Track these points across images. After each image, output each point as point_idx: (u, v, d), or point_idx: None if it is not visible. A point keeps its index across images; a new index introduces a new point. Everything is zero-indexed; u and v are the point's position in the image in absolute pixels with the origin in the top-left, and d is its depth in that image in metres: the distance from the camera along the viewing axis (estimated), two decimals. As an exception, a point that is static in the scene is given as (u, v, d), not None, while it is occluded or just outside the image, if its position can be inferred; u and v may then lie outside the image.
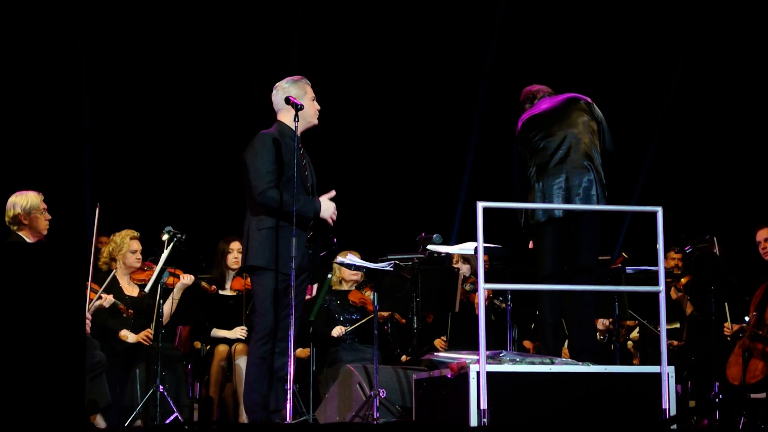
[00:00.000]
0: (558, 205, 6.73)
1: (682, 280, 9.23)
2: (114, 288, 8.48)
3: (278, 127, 6.81)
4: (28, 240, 7.60)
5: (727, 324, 8.73)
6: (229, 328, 9.02)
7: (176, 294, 8.69)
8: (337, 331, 9.05)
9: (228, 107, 11.29)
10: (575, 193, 6.78)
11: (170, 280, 8.54)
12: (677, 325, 9.41)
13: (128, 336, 8.47)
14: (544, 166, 6.87)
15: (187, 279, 8.70)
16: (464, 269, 9.22)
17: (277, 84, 6.92)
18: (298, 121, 6.65)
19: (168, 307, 8.58)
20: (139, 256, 8.73)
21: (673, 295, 9.16)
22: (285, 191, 6.60)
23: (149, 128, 11.40)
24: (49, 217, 7.78)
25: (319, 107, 6.89)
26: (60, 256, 5.04)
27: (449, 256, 8.97)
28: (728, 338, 8.67)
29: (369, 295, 9.07)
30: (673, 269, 9.21)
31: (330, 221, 6.76)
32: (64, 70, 11.14)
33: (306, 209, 6.65)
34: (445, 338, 9.38)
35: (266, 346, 6.58)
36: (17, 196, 7.69)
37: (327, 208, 6.74)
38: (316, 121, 6.89)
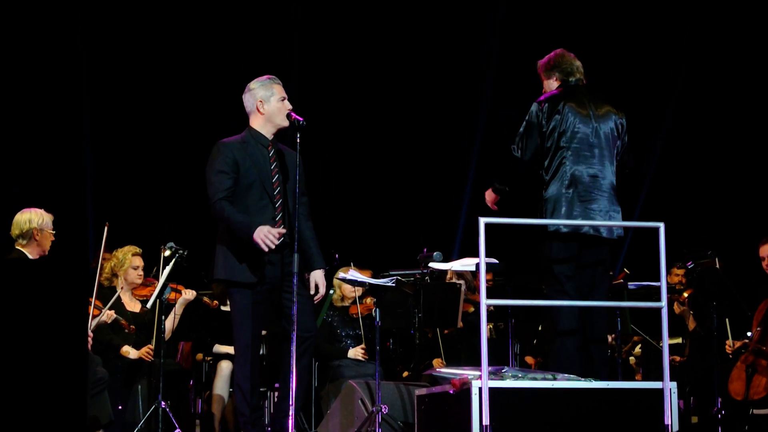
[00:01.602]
0: (556, 221, 6.60)
1: (685, 293, 9.23)
2: (116, 304, 8.49)
3: (246, 134, 6.64)
4: (30, 256, 7.62)
5: (729, 341, 8.71)
6: (231, 343, 9.01)
7: (178, 309, 8.69)
8: (357, 353, 9.07)
9: (233, 124, 11.28)
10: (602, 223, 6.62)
11: (172, 295, 8.54)
12: (679, 341, 9.40)
13: (130, 352, 8.47)
14: (576, 180, 6.64)
15: (188, 294, 8.70)
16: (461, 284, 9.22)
17: (247, 85, 6.74)
18: (300, 138, 6.55)
19: (170, 323, 8.58)
20: (141, 273, 8.74)
21: (677, 309, 9.15)
22: (241, 201, 6.48)
23: (151, 143, 11.42)
24: (53, 238, 7.82)
25: (290, 107, 6.61)
26: (62, 273, 5.04)
27: (445, 271, 8.96)
28: (730, 356, 8.66)
29: (369, 301, 9.10)
30: (676, 285, 9.20)
31: (262, 245, 6.29)
32: (65, 81, 11.16)
33: (241, 232, 6.38)
34: (442, 360, 9.37)
35: (244, 368, 6.53)
36: (32, 213, 7.71)
37: (260, 230, 6.30)
38: (286, 123, 6.60)
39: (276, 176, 6.54)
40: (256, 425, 6.54)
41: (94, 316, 8.04)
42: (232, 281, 6.53)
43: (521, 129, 6.73)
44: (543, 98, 6.78)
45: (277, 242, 6.32)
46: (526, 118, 6.73)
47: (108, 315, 8.24)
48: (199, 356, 9.26)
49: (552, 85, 6.92)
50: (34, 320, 4.87)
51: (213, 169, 6.53)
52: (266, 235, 6.28)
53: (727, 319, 8.70)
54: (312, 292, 6.66)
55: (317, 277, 6.66)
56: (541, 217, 6.67)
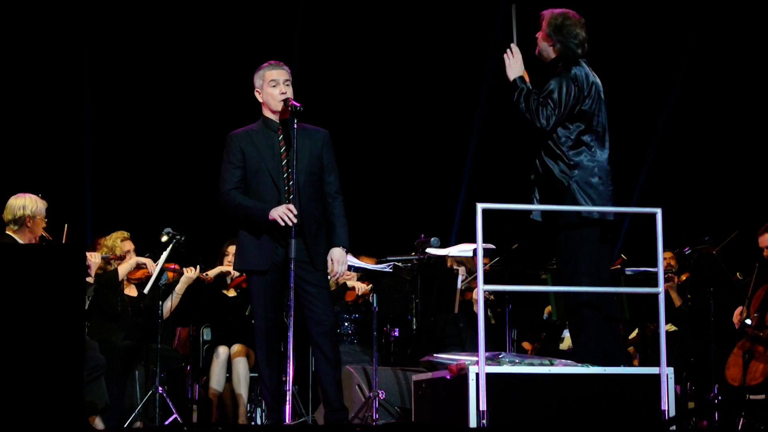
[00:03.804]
0: (550, 207, 6.49)
1: (682, 277, 9.22)
2: (116, 286, 8.50)
3: (259, 121, 6.66)
4: (20, 241, 7.57)
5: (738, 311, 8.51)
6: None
7: (180, 288, 8.67)
8: (360, 287, 9.09)
9: (230, 106, 11.28)
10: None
11: (170, 275, 8.56)
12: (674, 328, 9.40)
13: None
14: (602, 166, 6.48)
15: (191, 272, 8.67)
16: (461, 271, 9.21)
17: None
18: (297, 123, 6.52)
19: (169, 303, 8.58)
20: (133, 255, 8.73)
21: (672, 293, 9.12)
22: (251, 188, 6.51)
23: (150, 127, 11.40)
24: (45, 224, 7.77)
25: (283, 90, 6.53)
26: (57, 258, 5.04)
27: (444, 258, 8.96)
28: (736, 326, 8.48)
29: (362, 287, 9.12)
30: (666, 267, 9.14)
31: (280, 220, 6.29)
32: (66, 70, 11.15)
33: (256, 217, 6.42)
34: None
35: (261, 352, 6.55)
36: (26, 199, 7.64)
37: (276, 209, 6.33)
38: (279, 108, 6.53)
39: (285, 160, 6.52)
40: (274, 410, 6.53)
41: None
42: (246, 270, 6.59)
43: (560, 98, 6.38)
44: (575, 71, 6.49)
45: (295, 219, 6.32)
46: (560, 86, 6.41)
47: (95, 256, 8.21)
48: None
49: (549, 51, 6.64)
50: (27, 306, 4.87)
51: (222, 163, 6.61)
52: (285, 212, 6.31)
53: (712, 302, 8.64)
54: (329, 270, 6.59)
55: (333, 254, 6.55)
56: (561, 197, 6.46)
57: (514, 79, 6.50)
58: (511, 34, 6.66)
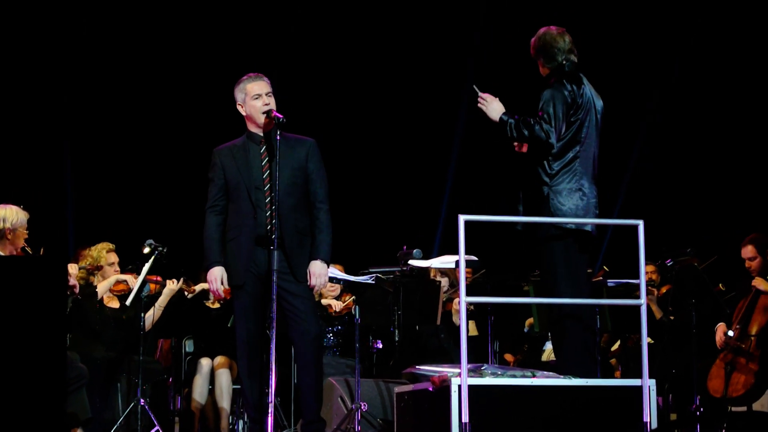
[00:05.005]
0: (536, 219, 6.48)
1: (662, 289, 9.22)
2: (94, 301, 8.47)
3: (244, 135, 6.62)
4: (1, 254, 7.48)
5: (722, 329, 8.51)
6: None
7: (162, 300, 8.65)
8: (336, 304, 9.07)
9: (212, 116, 11.27)
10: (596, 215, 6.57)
11: (153, 287, 8.53)
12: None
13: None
14: (586, 179, 6.50)
15: (174, 285, 8.65)
16: (443, 282, 9.22)
17: None
18: (280, 135, 6.49)
19: (151, 315, 8.56)
20: (117, 268, 8.71)
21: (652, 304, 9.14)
22: (233, 202, 6.50)
23: (131, 138, 11.38)
24: (26, 235, 7.68)
25: (267, 102, 6.49)
26: (38, 270, 5.02)
27: (428, 269, 8.96)
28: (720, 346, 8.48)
29: (338, 305, 9.10)
30: (648, 281, 9.15)
31: (210, 290, 6.55)
32: (46, 79, 11.12)
33: (205, 256, 6.53)
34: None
35: (241, 361, 6.56)
36: (7, 210, 7.48)
37: (216, 276, 6.47)
38: (262, 120, 6.48)
39: (267, 172, 6.49)
40: (256, 422, 6.50)
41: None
42: (230, 284, 6.55)
43: (555, 110, 6.40)
44: (567, 80, 6.52)
45: (220, 298, 6.56)
46: (556, 98, 6.43)
47: (74, 268, 8.15)
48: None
49: (544, 71, 6.69)
50: (8, 317, 4.85)
51: (208, 178, 6.59)
52: (216, 288, 6.46)
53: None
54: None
55: (312, 267, 6.47)
56: (542, 207, 6.45)
57: (500, 118, 6.54)
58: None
